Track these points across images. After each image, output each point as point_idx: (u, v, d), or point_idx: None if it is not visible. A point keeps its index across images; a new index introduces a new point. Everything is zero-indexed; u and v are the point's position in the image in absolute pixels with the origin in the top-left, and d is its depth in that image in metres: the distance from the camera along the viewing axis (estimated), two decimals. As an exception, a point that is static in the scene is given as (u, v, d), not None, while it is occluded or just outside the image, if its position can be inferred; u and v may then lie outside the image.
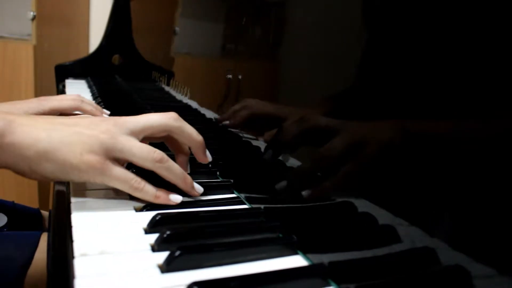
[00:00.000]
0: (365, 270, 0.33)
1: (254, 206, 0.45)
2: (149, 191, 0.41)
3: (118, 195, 0.44)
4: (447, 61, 0.33)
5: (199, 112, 0.87)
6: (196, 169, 0.50)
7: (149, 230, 0.37)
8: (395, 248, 0.35)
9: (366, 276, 0.32)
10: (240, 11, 0.78)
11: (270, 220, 0.41)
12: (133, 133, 0.42)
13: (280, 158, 0.52)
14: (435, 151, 0.33)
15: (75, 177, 0.40)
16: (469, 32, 0.31)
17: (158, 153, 0.42)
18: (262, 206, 0.43)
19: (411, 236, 0.34)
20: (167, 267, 0.31)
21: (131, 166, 0.44)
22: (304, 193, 0.43)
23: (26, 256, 0.58)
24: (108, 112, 0.73)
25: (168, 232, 0.34)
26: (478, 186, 0.29)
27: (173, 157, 0.46)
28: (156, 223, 0.37)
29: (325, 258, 0.33)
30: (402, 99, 0.37)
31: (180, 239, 0.34)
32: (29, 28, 1.45)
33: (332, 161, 0.41)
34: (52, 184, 0.51)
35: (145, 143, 0.43)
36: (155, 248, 0.34)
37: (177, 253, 0.31)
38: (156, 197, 0.42)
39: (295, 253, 0.35)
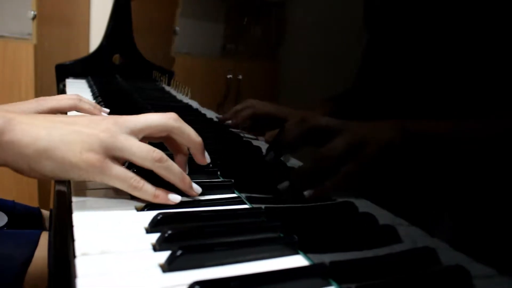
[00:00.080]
0: (365, 270, 0.33)
1: (255, 206, 0.45)
2: (148, 190, 0.41)
3: (119, 194, 0.44)
4: (447, 61, 0.33)
5: (199, 112, 0.87)
6: (196, 169, 0.50)
7: (150, 229, 0.37)
8: (396, 248, 0.35)
9: (366, 276, 0.32)
10: (240, 11, 0.78)
11: (271, 220, 0.41)
12: (133, 132, 0.42)
13: (281, 158, 0.52)
14: (435, 151, 0.33)
15: (74, 175, 0.40)
16: (469, 32, 0.31)
17: (157, 153, 0.42)
18: (263, 206, 0.43)
19: (411, 236, 0.34)
20: (168, 267, 0.31)
21: (131, 166, 0.44)
22: (305, 193, 0.43)
23: (26, 255, 0.58)
24: (107, 111, 0.73)
25: (169, 232, 0.34)
26: (478, 186, 0.30)
27: (172, 157, 0.46)
28: (158, 223, 0.37)
29: (326, 258, 0.33)
30: (402, 99, 0.37)
31: (181, 239, 0.34)
32: (30, 27, 1.45)
33: (333, 161, 0.41)
34: (52, 183, 0.51)
35: (145, 142, 0.43)
36: (157, 247, 0.34)
37: (179, 252, 0.31)
38: (155, 196, 0.42)
39: (296, 253, 0.36)
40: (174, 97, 1.07)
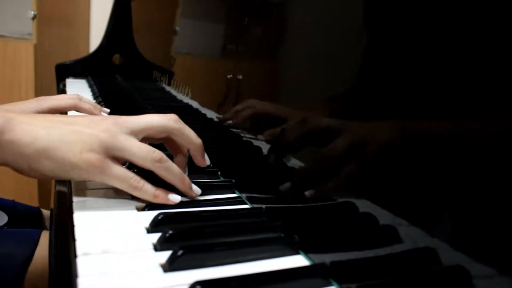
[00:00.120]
0: (366, 270, 0.33)
1: (255, 206, 0.45)
2: (148, 190, 0.41)
3: (119, 194, 0.44)
4: (447, 61, 0.33)
5: (200, 112, 0.87)
6: (197, 169, 0.50)
7: (151, 229, 0.37)
8: (396, 248, 0.35)
9: (367, 276, 0.32)
10: (240, 11, 0.78)
11: (271, 220, 0.41)
12: (133, 133, 0.42)
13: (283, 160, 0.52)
14: (436, 151, 0.33)
15: (74, 175, 0.40)
16: (469, 32, 0.31)
17: (157, 153, 0.42)
18: (263, 206, 0.43)
19: (411, 236, 0.35)
20: (169, 267, 0.31)
21: (132, 167, 0.44)
22: (307, 193, 0.43)
23: (27, 253, 0.59)
24: (108, 111, 0.73)
25: (170, 232, 0.34)
26: (478, 186, 0.30)
27: (172, 158, 0.46)
28: (158, 223, 0.37)
29: (326, 258, 0.33)
30: (402, 99, 0.37)
31: (182, 239, 0.35)
32: (30, 27, 1.45)
33: (334, 161, 0.41)
34: (53, 182, 0.51)
35: (145, 143, 0.43)
36: (158, 247, 0.34)
37: (180, 252, 0.31)
38: (155, 196, 0.42)
39: (296, 253, 0.36)
40: (174, 97, 1.07)
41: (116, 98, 1.05)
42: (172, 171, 0.43)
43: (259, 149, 0.59)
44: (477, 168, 0.30)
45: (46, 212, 0.82)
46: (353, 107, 0.43)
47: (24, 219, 0.76)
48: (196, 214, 0.41)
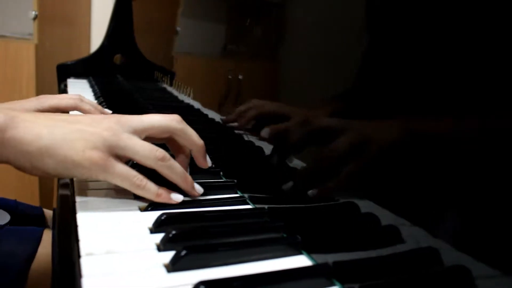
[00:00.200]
0: (369, 270, 0.33)
1: (258, 206, 0.45)
2: (151, 189, 0.42)
3: (122, 194, 0.44)
4: (451, 61, 0.33)
5: (201, 112, 0.87)
6: (199, 169, 0.50)
7: (154, 229, 0.37)
8: (399, 248, 0.35)
9: (370, 276, 0.32)
10: (241, 11, 0.78)
11: (274, 220, 0.41)
12: (136, 132, 0.43)
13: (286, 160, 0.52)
14: (438, 151, 0.33)
15: (77, 173, 0.40)
16: (471, 32, 0.31)
17: (160, 152, 0.42)
18: (266, 206, 0.43)
19: (414, 236, 0.35)
20: (173, 267, 0.31)
21: (134, 167, 0.44)
22: (310, 192, 0.43)
23: (29, 251, 0.59)
24: (110, 112, 0.73)
25: (173, 232, 0.34)
26: (481, 187, 0.30)
27: (173, 158, 0.46)
28: (162, 223, 0.37)
29: (329, 258, 0.33)
30: (405, 99, 0.37)
31: (185, 239, 0.35)
32: (31, 27, 1.45)
33: (337, 161, 0.41)
34: (55, 181, 0.51)
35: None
36: (161, 247, 0.34)
37: (183, 252, 0.31)
38: (158, 195, 0.42)
39: (299, 253, 0.36)
40: (176, 97, 1.07)
41: (118, 98, 1.05)
42: (175, 169, 0.43)
43: (261, 149, 0.59)
44: (480, 168, 0.30)
45: (48, 212, 0.82)
46: (355, 106, 0.43)
47: (26, 219, 0.76)
48: (199, 215, 0.41)
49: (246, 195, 0.48)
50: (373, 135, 0.39)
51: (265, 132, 0.56)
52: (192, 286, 0.29)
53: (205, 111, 0.86)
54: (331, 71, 0.49)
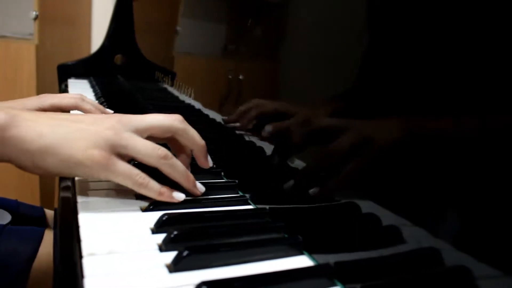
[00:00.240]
0: (370, 270, 0.33)
1: (259, 206, 0.45)
2: (153, 187, 0.42)
3: (123, 194, 0.44)
4: (451, 61, 0.33)
5: (202, 113, 0.87)
6: (201, 169, 0.50)
7: (156, 230, 0.37)
8: (400, 248, 0.35)
9: (371, 276, 0.32)
10: (241, 11, 0.78)
11: (275, 220, 0.41)
12: (138, 131, 0.43)
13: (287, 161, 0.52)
14: (439, 151, 0.33)
15: (79, 172, 0.40)
16: (471, 32, 0.31)
17: (162, 150, 0.42)
18: (267, 207, 0.43)
19: (415, 236, 0.35)
20: (174, 267, 0.31)
21: (136, 166, 0.44)
22: (311, 191, 0.43)
23: (30, 251, 0.59)
24: (111, 111, 0.73)
25: (175, 232, 0.34)
26: (483, 187, 0.30)
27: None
28: (163, 223, 0.38)
29: (330, 259, 0.33)
30: (406, 98, 0.37)
31: (187, 239, 0.35)
32: (32, 27, 1.45)
33: (338, 160, 0.41)
34: (56, 181, 0.51)
35: None
36: (163, 248, 0.34)
37: (185, 253, 0.31)
38: (160, 193, 0.42)
39: (300, 253, 0.36)
40: (177, 97, 1.07)
41: (118, 99, 1.05)
42: (177, 168, 0.43)
43: (262, 149, 0.59)
44: (481, 168, 0.30)
45: (49, 212, 0.82)
46: (355, 106, 0.43)
47: (27, 219, 0.76)
48: (200, 215, 0.41)
49: (247, 195, 0.48)
50: (374, 135, 0.39)
51: (267, 129, 0.56)
52: (194, 286, 0.29)
53: (206, 111, 0.86)
54: (332, 71, 0.49)
